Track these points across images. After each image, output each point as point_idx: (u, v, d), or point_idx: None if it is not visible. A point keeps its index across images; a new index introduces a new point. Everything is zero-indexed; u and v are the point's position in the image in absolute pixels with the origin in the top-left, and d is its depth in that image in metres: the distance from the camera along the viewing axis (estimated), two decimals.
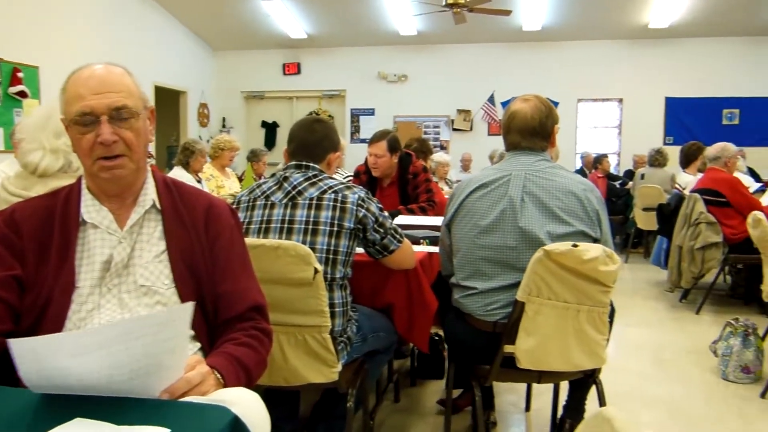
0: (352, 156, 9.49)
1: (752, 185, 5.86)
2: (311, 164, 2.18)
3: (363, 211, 2.08)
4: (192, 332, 1.38)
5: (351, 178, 4.26)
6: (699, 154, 5.81)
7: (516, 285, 2.02)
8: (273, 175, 2.24)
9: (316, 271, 1.93)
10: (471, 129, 10.32)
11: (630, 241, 7.40)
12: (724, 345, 3.34)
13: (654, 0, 8.33)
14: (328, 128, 2.29)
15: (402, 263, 2.26)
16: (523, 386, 3.01)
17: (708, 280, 4.98)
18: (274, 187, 2.15)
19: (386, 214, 2.20)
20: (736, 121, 9.35)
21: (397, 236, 2.19)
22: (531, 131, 2.14)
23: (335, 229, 2.05)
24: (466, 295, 2.16)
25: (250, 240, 1.97)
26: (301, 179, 2.13)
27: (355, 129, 10.72)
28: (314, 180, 2.13)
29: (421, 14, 8.43)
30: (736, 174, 5.47)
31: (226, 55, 10.86)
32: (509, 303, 2.05)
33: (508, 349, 2.05)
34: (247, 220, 2.14)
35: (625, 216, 7.73)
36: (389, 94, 10.49)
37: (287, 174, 2.17)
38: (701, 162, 5.64)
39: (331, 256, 2.04)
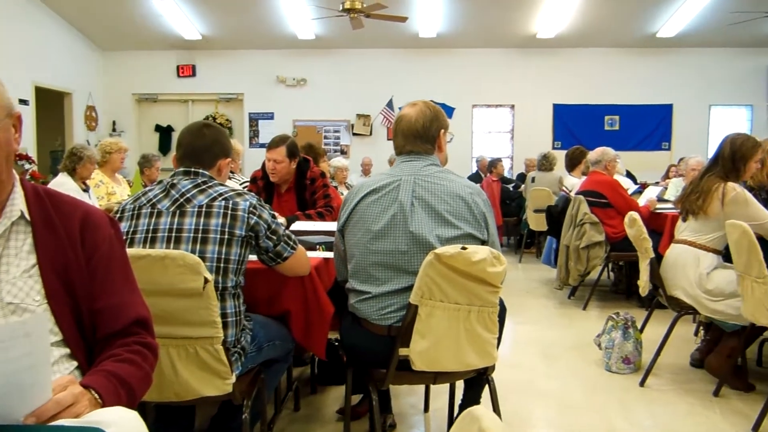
0: (251, 161, 9.34)
1: (630, 187, 6.27)
2: (200, 171, 2.12)
3: (255, 218, 2.04)
4: (68, 350, 1.30)
5: (248, 183, 4.18)
6: (582, 158, 6.16)
7: (409, 288, 2.05)
8: (160, 182, 2.16)
9: (206, 280, 1.87)
10: (371, 133, 10.43)
11: (523, 241, 7.73)
12: (607, 338, 3.55)
13: (541, 11, 8.77)
14: (217, 133, 2.23)
15: (296, 270, 2.24)
16: (423, 387, 3.06)
17: (593, 277, 5.29)
18: (161, 195, 2.07)
19: (279, 220, 2.17)
20: (616, 127, 10.00)
21: (291, 243, 2.16)
22: (414, 134, 2.20)
23: (226, 237, 2.00)
24: (360, 300, 2.17)
25: (135, 250, 1.89)
26: (190, 186, 2.06)
27: (254, 133, 10.55)
28: (203, 187, 2.07)
29: (318, 18, 8.43)
30: (616, 176, 5.84)
31: (115, 55, 10.37)
32: (403, 306, 2.08)
33: (403, 352, 2.07)
34: (131, 229, 2.04)
35: (518, 218, 8.06)
36: (288, 98, 10.41)
37: (175, 181, 2.09)
38: (585, 165, 5.97)
39: (222, 265, 1.99)
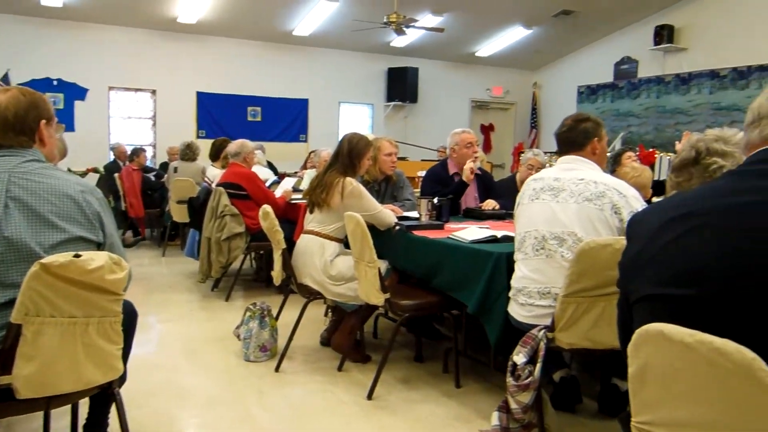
0: None
1: (270, 177, 6.56)
2: None
3: None
4: None
5: None
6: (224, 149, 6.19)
7: (8, 305, 1.76)
8: None
9: None
10: None
11: (167, 233, 7.47)
12: (245, 329, 3.64)
13: None
14: None
15: None
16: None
17: (236, 267, 5.38)
18: None
19: None
20: (258, 118, 10.34)
21: None
22: (5, 125, 1.90)
23: None
24: None
25: None
26: None
27: None
28: None
29: None
30: (257, 167, 6.04)
31: None
32: (2, 326, 1.78)
33: (3, 380, 1.78)
34: None
35: (161, 209, 7.76)
36: None
37: None
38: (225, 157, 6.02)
39: None
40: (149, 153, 9.54)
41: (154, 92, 9.82)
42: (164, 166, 8.62)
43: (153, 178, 8.03)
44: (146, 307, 4.74)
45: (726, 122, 8.58)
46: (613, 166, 4.36)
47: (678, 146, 6.07)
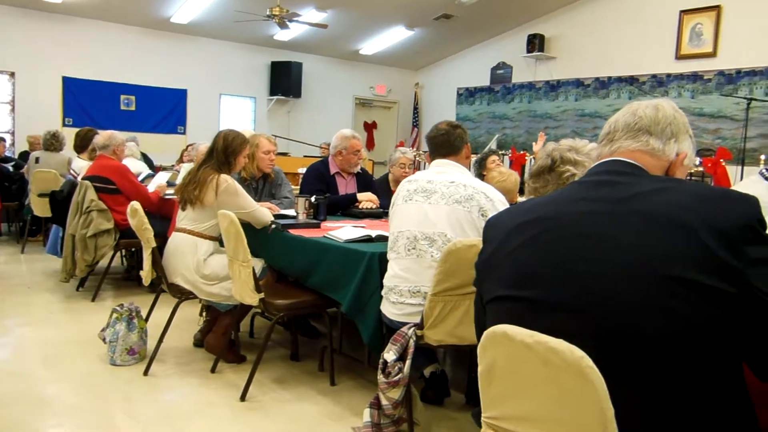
0: None
1: (144, 171, 6.25)
2: None
3: None
4: None
5: None
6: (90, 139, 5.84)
7: None
8: None
9: None
10: None
11: (26, 229, 6.93)
12: (111, 331, 3.46)
13: None
14: None
15: None
16: None
17: (105, 264, 5.10)
18: None
19: None
20: (133, 108, 9.81)
21: None
22: None
23: None
24: None
25: None
26: None
27: None
28: None
29: None
30: (130, 160, 5.77)
31: None
32: None
33: None
34: None
35: (20, 202, 7.19)
36: None
37: None
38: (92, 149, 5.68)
39: None
40: (7, 141, 8.79)
41: (12, 75, 9.04)
42: (24, 156, 7.99)
43: (11, 169, 7.42)
44: (1, 310, 4.39)
45: (589, 128, 9.25)
46: (479, 169, 4.56)
47: (535, 147, 6.50)
